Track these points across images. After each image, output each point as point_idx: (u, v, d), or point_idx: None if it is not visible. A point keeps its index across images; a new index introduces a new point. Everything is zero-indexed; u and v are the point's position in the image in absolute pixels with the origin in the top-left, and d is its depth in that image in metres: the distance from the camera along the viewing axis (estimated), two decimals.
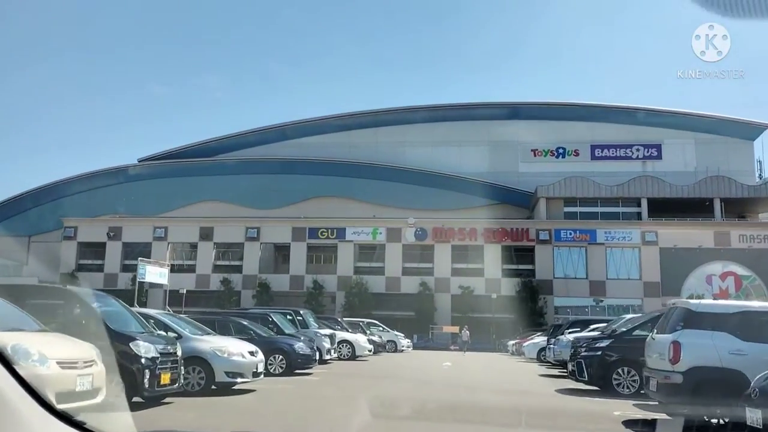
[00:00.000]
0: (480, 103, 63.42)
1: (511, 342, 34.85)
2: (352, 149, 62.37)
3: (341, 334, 20.67)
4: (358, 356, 20.78)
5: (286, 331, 16.31)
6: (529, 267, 52.18)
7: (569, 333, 17.07)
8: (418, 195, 59.69)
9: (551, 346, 17.29)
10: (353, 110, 65.52)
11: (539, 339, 24.97)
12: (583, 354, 11.74)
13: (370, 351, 21.25)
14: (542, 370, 19.78)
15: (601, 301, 51.01)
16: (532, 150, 61.09)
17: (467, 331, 37.49)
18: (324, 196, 61.15)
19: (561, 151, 60.73)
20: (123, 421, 5.09)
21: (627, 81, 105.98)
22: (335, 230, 54.43)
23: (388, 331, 33.43)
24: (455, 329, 48.02)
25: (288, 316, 18.31)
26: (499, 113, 62.44)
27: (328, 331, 18.93)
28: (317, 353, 16.48)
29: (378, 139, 62.82)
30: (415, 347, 37.97)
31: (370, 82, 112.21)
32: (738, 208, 53.44)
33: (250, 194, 61.08)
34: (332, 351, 18.91)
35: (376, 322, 34.32)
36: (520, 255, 52.85)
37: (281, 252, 57.26)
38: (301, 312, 18.77)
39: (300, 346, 14.46)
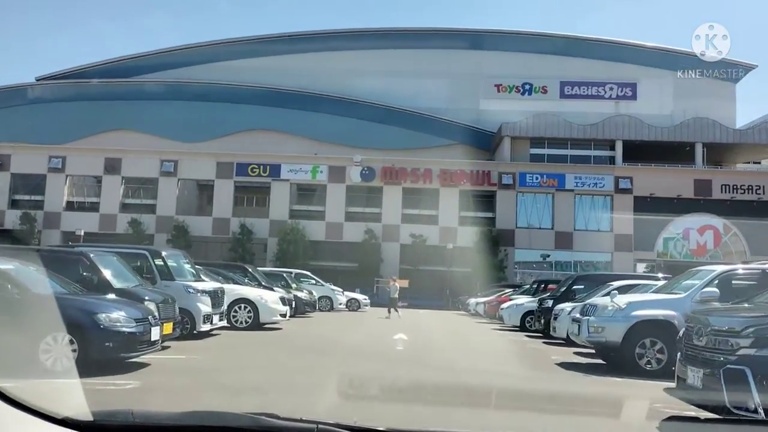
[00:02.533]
0: (439, 29, 55.71)
1: (474, 300, 28.36)
2: (292, 76, 53.90)
3: (238, 290, 13.41)
4: (264, 323, 13.65)
5: (117, 285, 8.97)
6: (489, 215, 45.91)
7: (615, 293, 10.22)
8: (365, 131, 52.30)
9: (581, 317, 10.45)
10: (294, 30, 56.81)
11: (524, 299, 18.39)
12: None
13: (284, 315, 14.04)
14: (546, 348, 13.12)
15: (548, 256, 45.40)
16: (495, 85, 54.11)
17: (396, 284, 26.01)
18: (257, 129, 52.95)
19: (527, 87, 53.98)
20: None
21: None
22: (268, 167, 46.61)
23: (321, 285, 26.46)
24: (404, 283, 41.53)
25: (138, 260, 10.94)
26: (461, 42, 54.98)
27: (209, 286, 11.63)
28: (176, 322, 9.27)
29: (322, 65, 54.52)
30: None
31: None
32: (719, 155, 48.30)
33: (171, 124, 52.32)
34: (218, 317, 11.70)
35: (308, 273, 27.36)
36: (479, 201, 46.40)
37: (204, 191, 49.19)
38: (164, 254, 11.39)
39: (115, 318, 7.15)
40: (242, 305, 13.12)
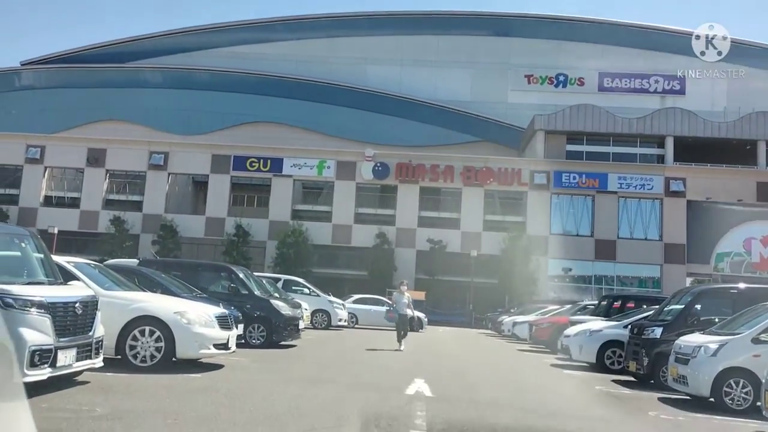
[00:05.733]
0: (463, 13, 50.41)
1: (510, 320, 22.56)
2: (300, 64, 49.07)
3: (140, 302, 7.60)
4: (186, 358, 7.97)
5: None
6: (519, 219, 40.01)
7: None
8: (379, 125, 47.23)
9: None
10: (303, 13, 51.71)
11: (601, 323, 12.62)
12: None
13: (223, 345, 8.10)
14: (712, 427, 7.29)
15: (570, 270, 39.44)
16: (526, 75, 48.70)
17: (408, 293, 15.87)
18: (261, 121, 48.11)
19: (562, 78, 48.45)
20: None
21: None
22: (269, 161, 41.14)
23: (317, 295, 20.86)
24: (421, 295, 35.78)
25: None
26: (486, 28, 49.75)
27: (57, 293, 5.98)
28: None
29: (332, 52, 49.58)
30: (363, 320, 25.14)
31: None
32: None
33: (166, 115, 47.72)
34: (77, 351, 6.12)
35: (301, 281, 21.79)
36: (508, 203, 40.65)
37: (197, 187, 43.98)
38: None
39: None
40: (147, 328, 7.55)
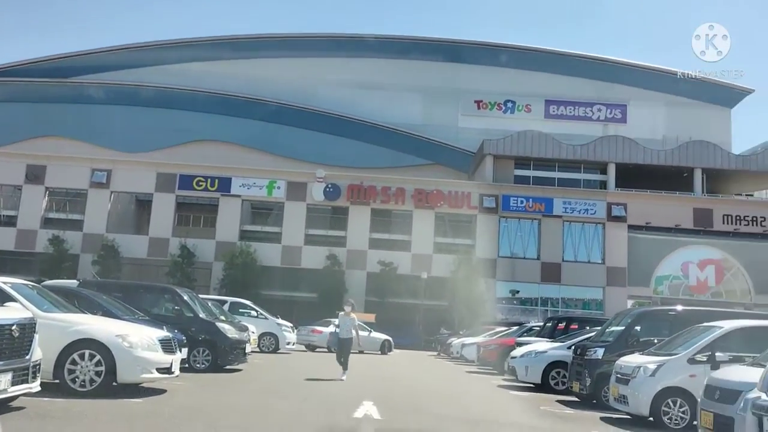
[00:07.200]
0: (415, 38, 51.15)
1: (460, 342, 22.68)
2: (250, 83, 48.69)
3: (80, 325, 6.96)
4: (127, 383, 7.55)
5: None
6: (468, 242, 40.55)
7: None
8: (331, 147, 47.12)
9: None
10: (254, 32, 51.50)
11: (546, 345, 12.81)
12: None
13: (166, 370, 7.51)
14: None
15: (518, 292, 40.35)
16: (475, 101, 49.66)
17: (353, 316, 13.46)
18: (208, 140, 47.43)
19: (510, 104, 49.60)
20: None
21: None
22: (217, 180, 40.58)
23: (265, 318, 20.53)
24: (371, 317, 35.68)
25: None
26: (438, 54, 50.45)
27: None
28: None
29: (285, 73, 49.37)
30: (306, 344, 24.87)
31: None
32: (719, 183, 43.98)
33: (111, 132, 46.39)
34: (4, 376, 5.81)
35: (248, 303, 21.41)
36: (458, 226, 41.21)
37: (141, 206, 42.90)
38: None
39: None
40: (87, 352, 7.25)
